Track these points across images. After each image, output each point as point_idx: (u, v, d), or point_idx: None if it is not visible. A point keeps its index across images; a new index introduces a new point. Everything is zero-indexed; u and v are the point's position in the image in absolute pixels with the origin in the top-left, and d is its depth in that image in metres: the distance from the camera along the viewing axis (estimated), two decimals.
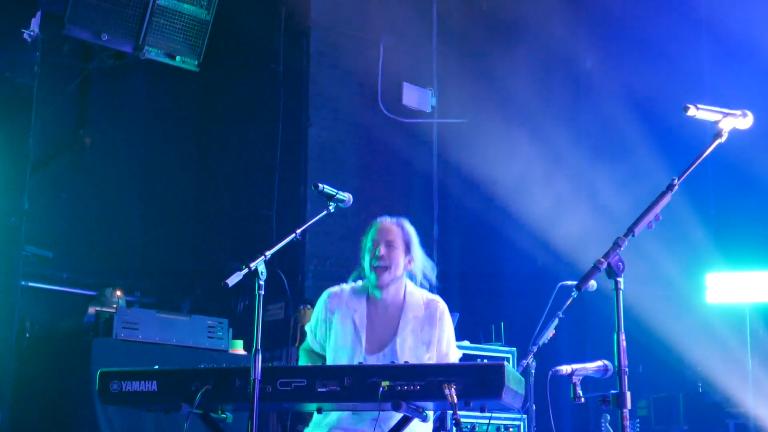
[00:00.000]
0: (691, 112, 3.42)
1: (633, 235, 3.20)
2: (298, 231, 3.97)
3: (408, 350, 4.14)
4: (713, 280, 7.46)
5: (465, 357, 6.04)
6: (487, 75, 8.69)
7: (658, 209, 3.25)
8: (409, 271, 4.28)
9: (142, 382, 3.76)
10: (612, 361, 4.14)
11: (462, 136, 8.97)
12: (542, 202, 8.13)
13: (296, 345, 7.42)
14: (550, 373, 4.32)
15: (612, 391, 3.18)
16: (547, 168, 8.19)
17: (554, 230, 8.08)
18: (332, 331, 4.22)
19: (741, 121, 3.47)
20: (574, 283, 3.26)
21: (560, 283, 5.47)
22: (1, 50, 6.46)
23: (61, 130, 8.14)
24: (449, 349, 4.24)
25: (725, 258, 7.55)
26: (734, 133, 3.47)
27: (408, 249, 4.22)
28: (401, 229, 4.25)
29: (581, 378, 4.27)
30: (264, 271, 3.63)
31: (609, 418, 5.81)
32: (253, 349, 3.52)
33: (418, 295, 4.27)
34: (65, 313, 7.04)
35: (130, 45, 7.21)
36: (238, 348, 6.57)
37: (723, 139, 3.44)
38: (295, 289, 7.99)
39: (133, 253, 8.36)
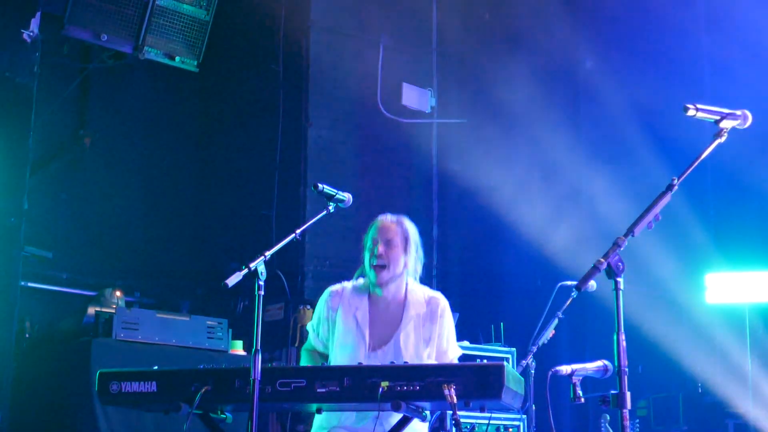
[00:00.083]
0: (691, 112, 3.42)
1: (633, 235, 3.20)
2: (298, 231, 3.97)
3: (410, 346, 4.14)
4: (712, 280, 7.46)
5: (464, 357, 6.04)
6: (487, 75, 8.69)
7: (657, 209, 3.25)
8: (410, 269, 4.28)
9: (142, 382, 3.76)
10: (612, 362, 4.14)
11: (461, 136, 8.97)
12: (542, 202, 8.13)
13: (296, 345, 7.42)
14: (550, 373, 4.32)
15: (612, 392, 3.18)
16: (547, 168, 8.19)
17: (554, 231, 8.08)
18: (335, 329, 4.22)
19: (740, 121, 3.47)
20: (574, 283, 3.26)
21: (560, 284, 5.48)
22: (1, 50, 6.46)
23: (60, 130, 8.14)
24: (449, 346, 4.25)
25: (725, 258, 7.55)
26: (733, 134, 3.48)
27: (407, 247, 4.22)
28: (401, 228, 4.26)
29: (581, 378, 4.28)
30: (264, 271, 3.63)
31: (609, 418, 5.81)
32: (253, 350, 3.52)
33: (419, 293, 4.27)
34: (65, 314, 7.04)
35: (130, 45, 7.21)
36: (238, 348, 6.56)
37: (722, 140, 3.44)
38: (294, 289, 7.99)
39: (132, 254, 8.36)
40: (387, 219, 4.29)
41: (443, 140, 9.10)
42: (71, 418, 5.90)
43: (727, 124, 3.45)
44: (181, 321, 6.35)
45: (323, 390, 3.54)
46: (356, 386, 3.52)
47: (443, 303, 4.27)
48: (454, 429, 3.45)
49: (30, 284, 7.15)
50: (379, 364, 4.10)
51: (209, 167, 9.06)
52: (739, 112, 3.47)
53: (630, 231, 3.21)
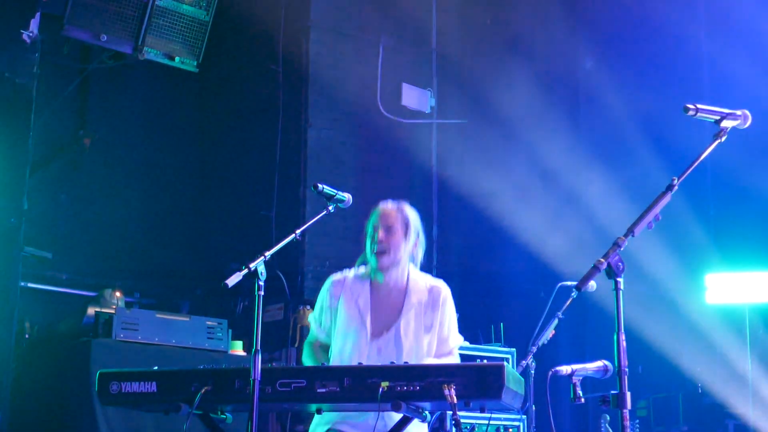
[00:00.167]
0: (691, 112, 3.42)
1: (633, 235, 3.20)
2: (298, 231, 3.97)
3: (411, 333, 4.14)
4: (712, 280, 7.46)
5: (464, 358, 6.05)
6: (487, 76, 8.70)
7: (657, 209, 3.25)
8: (412, 255, 4.28)
9: (142, 382, 3.76)
10: (612, 362, 4.14)
11: (461, 136, 8.98)
12: (542, 202, 8.14)
13: (296, 346, 7.42)
14: (550, 373, 4.32)
15: (612, 392, 3.18)
16: (547, 169, 8.19)
17: (554, 231, 8.08)
18: (337, 317, 4.22)
19: (740, 121, 3.47)
20: (574, 283, 3.26)
21: (560, 284, 5.48)
22: (1, 51, 6.46)
23: (60, 130, 8.14)
24: (450, 334, 4.24)
25: (724, 259, 7.55)
26: (733, 134, 3.48)
27: (408, 233, 4.22)
28: (401, 214, 4.27)
29: (581, 378, 4.27)
30: (264, 271, 3.63)
31: (609, 418, 5.81)
32: (253, 350, 3.52)
33: (421, 280, 4.28)
34: (64, 314, 7.04)
35: (130, 46, 7.20)
36: (238, 349, 6.56)
37: (722, 140, 3.44)
38: (294, 289, 7.99)
39: (132, 254, 8.36)
40: (388, 206, 4.30)
41: (443, 141, 9.10)
42: (71, 418, 5.90)
43: (727, 124, 3.45)
44: (180, 321, 6.36)
45: (323, 390, 3.54)
46: (356, 386, 3.51)
47: (445, 291, 4.27)
48: (454, 429, 3.44)
49: (30, 285, 7.15)
50: (381, 350, 4.13)
51: (209, 167, 9.06)
52: (739, 112, 3.47)
53: (630, 231, 3.20)
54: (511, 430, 6.55)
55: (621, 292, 3.18)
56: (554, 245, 7.92)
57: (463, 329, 4.43)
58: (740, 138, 3.63)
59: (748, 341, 7.21)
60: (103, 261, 8.10)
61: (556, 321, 5.04)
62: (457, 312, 4.31)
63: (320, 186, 4.13)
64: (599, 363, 4.37)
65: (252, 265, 3.60)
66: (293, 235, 3.96)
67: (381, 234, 4.18)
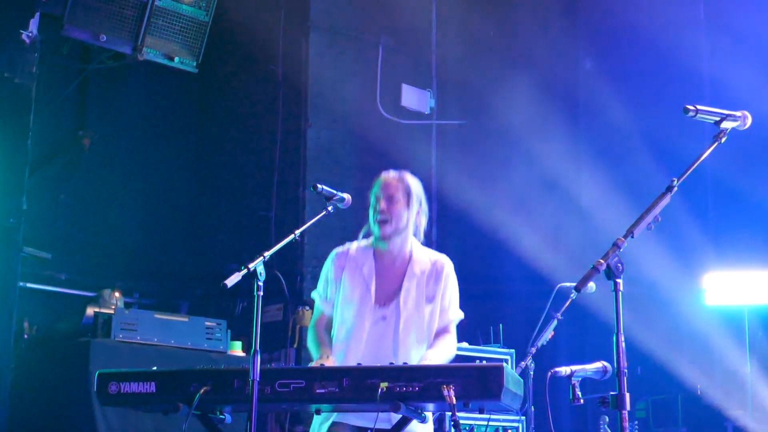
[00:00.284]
0: (691, 113, 3.42)
1: (632, 237, 3.20)
2: (297, 232, 3.97)
3: (411, 302, 4.14)
4: (711, 280, 7.45)
5: (464, 358, 6.04)
6: (486, 77, 8.70)
7: (657, 210, 3.25)
8: (415, 224, 4.28)
9: (141, 383, 3.76)
10: (611, 363, 4.14)
11: (461, 137, 8.97)
12: (541, 202, 8.13)
13: (295, 346, 7.42)
14: (549, 374, 4.32)
15: (611, 393, 3.18)
16: (546, 170, 8.19)
17: (553, 232, 8.08)
18: (342, 286, 4.21)
19: (740, 122, 3.47)
20: (573, 284, 3.26)
21: (559, 285, 5.47)
22: (0, 51, 6.46)
23: (59, 131, 8.13)
24: (450, 306, 4.23)
25: (723, 258, 7.55)
26: (732, 134, 3.48)
27: (410, 202, 4.23)
28: (402, 183, 4.27)
29: (580, 379, 4.27)
30: (263, 272, 3.63)
31: (608, 419, 5.81)
32: (252, 350, 3.52)
33: (425, 253, 4.29)
34: (63, 315, 7.04)
35: (129, 46, 7.20)
36: (237, 349, 6.56)
37: (722, 141, 3.44)
38: (293, 290, 7.98)
39: (131, 255, 8.36)
40: (389, 175, 4.31)
41: (442, 142, 9.10)
42: (70, 418, 5.90)
43: (726, 126, 3.45)
44: (179, 322, 6.36)
45: (322, 391, 3.54)
46: (355, 387, 3.51)
47: (449, 264, 4.28)
48: (453, 430, 3.44)
49: (29, 285, 7.15)
50: (385, 317, 4.12)
51: (208, 168, 9.05)
52: (738, 113, 3.47)
53: (629, 232, 3.20)
54: (510, 431, 6.54)
55: (620, 293, 3.18)
56: (554, 246, 7.92)
57: (462, 330, 4.42)
58: (739, 138, 3.63)
59: (747, 343, 7.21)
60: (102, 261, 8.10)
61: (555, 322, 5.04)
62: (457, 323, 4.30)
63: (320, 186, 4.13)
64: (598, 364, 4.37)
65: (251, 266, 3.60)
66: (292, 235, 3.96)
67: (383, 204, 4.19)
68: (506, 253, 8.27)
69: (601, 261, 3.14)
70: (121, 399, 3.81)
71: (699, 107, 3.43)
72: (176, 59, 7.44)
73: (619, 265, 3.17)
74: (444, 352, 4.11)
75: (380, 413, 3.55)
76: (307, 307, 7.40)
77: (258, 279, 3.60)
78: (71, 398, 5.89)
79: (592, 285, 3.21)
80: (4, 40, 6.48)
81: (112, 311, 6.20)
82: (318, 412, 3.82)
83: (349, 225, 8.04)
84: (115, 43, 7.16)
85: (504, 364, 3.50)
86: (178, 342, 6.24)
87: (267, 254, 3.70)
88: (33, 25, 6.58)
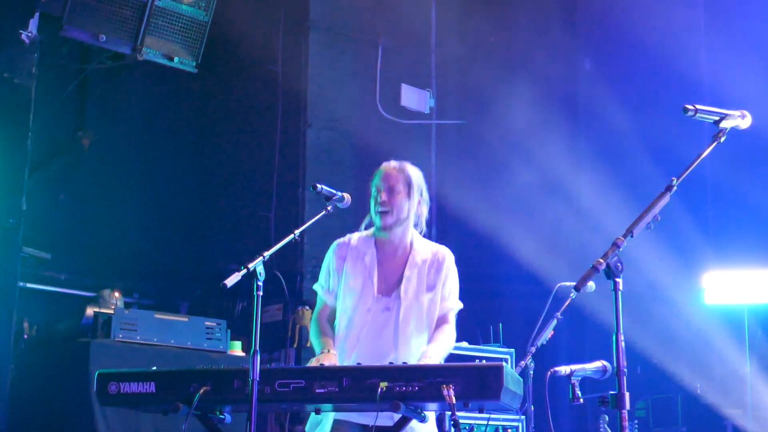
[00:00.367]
0: (691, 113, 3.42)
1: (632, 236, 3.20)
2: (297, 232, 3.97)
3: (411, 291, 4.15)
4: (711, 279, 7.45)
5: (463, 358, 6.05)
6: (486, 76, 8.70)
7: (656, 210, 3.25)
8: (416, 214, 4.28)
9: (140, 383, 3.76)
10: (610, 362, 4.14)
11: (460, 137, 8.97)
12: (541, 202, 8.13)
13: (294, 346, 7.42)
14: (549, 373, 4.32)
15: (611, 392, 3.18)
16: (546, 170, 8.19)
17: (553, 231, 8.08)
18: (344, 278, 4.22)
19: (740, 121, 3.48)
20: (573, 284, 3.26)
21: (558, 284, 5.47)
22: (0, 51, 6.46)
23: (59, 131, 8.14)
24: (450, 296, 4.24)
25: (723, 258, 7.54)
26: (732, 134, 3.48)
27: (410, 192, 4.23)
28: (403, 174, 4.28)
29: (580, 379, 4.27)
30: (262, 272, 3.63)
31: (607, 419, 5.81)
32: (252, 350, 3.52)
33: (426, 244, 4.30)
34: (63, 315, 7.04)
35: (129, 46, 7.20)
36: (237, 349, 6.56)
37: (721, 140, 3.44)
38: (293, 290, 7.98)
39: (131, 255, 8.36)
40: (390, 166, 4.32)
41: (442, 141, 9.10)
42: (70, 418, 5.90)
43: (726, 125, 3.45)
44: (179, 322, 6.36)
45: (322, 391, 3.54)
46: (355, 387, 3.51)
47: (450, 256, 4.29)
48: (452, 430, 3.44)
49: (28, 285, 7.15)
50: (387, 308, 4.12)
51: (208, 168, 9.05)
52: (738, 113, 3.48)
53: (629, 231, 3.20)
54: (510, 430, 6.55)
55: (620, 292, 3.18)
56: (553, 245, 7.92)
57: (461, 330, 4.42)
58: (738, 138, 3.63)
59: (746, 342, 7.21)
60: (102, 261, 8.10)
61: (554, 321, 5.04)
62: (456, 312, 4.30)
63: (319, 186, 4.14)
64: (598, 363, 4.37)
65: (250, 266, 3.60)
66: (292, 235, 3.96)
67: (384, 195, 4.20)
68: (506, 251, 8.27)
69: (601, 260, 3.14)
70: (121, 399, 3.80)
71: (698, 107, 3.43)
72: (176, 59, 7.44)
73: (618, 264, 3.17)
74: (444, 345, 4.11)
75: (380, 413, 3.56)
76: (307, 307, 7.40)
77: (257, 279, 3.60)
78: (71, 398, 5.89)
79: (591, 284, 3.21)
80: (3, 40, 6.48)
81: (111, 311, 6.20)
82: (318, 411, 3.82)
83: (349, 225, 8.02)
84: (115, 43, 7.16)
85: (504, 363, 3.50)
86: (177, 342, 6.24)
87: (266, 254, 3.69)
88: (32, 25, 6.58)
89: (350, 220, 7.61)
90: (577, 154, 8.30)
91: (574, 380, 4.22)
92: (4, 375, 6.12)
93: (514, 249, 8.11)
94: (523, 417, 6.41)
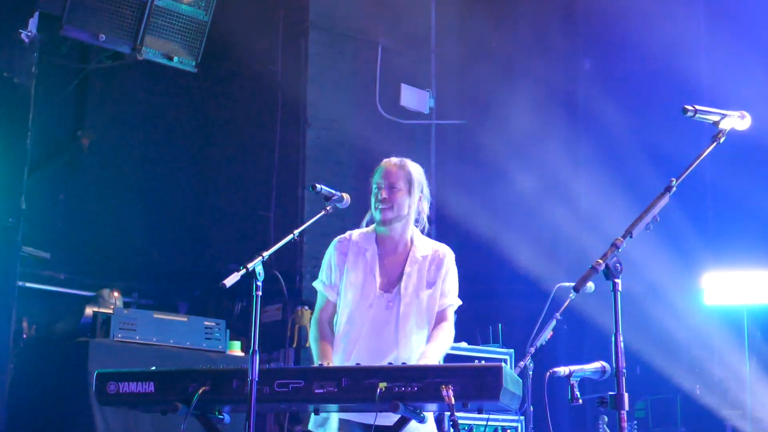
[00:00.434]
0: (690, 113, 3.42)
1: (631, 237, 3.20)
2: (296, 232, 3.97)
3: (411, 287, 4.15)
4: (710, 279, 7.45)
5: (462, 358, 6.05)
6: (485, 76, 8.70)
7: (656, 211, 3.25)
8: (417, 210, 4.29)
9: (139, 383, 3.75)
10: (609, 363, 4.14)
11: (460, 137, 8.98)
12: (540, 203, 8.13)
13: (294, 346, 7.42)
14: (548, 374, 4.32)
15: (610, 393, 3.18)
16: (545, 169, 8.19)
17: (552, 231, 8.08)
18: (346, 273, 4.22)
19: (739, 122, 3.47)
20: (572, 284, 3.26)
21: (558, 285, 5.47)
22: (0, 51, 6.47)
23: (58, 130, 8.14)
24: (450, 293, 4.24)
25: (723, 259, 7.54)
26: (730, 135, 3.48)
27: (411, 189, 4.24)
28: (403, 171, 4.28)
29: (579, 379, 4.27)
30: (261, 272, 3.62)
31: (607, 419, 5.81)
32: (251, 350, 3.51)
33: (427, 241, 4.31)
34: (62, 314, 7.03)
35: (128, 46, 7.19)
36: (236, 349, 6.56)
37: (721, 141, 3.44)
38: (292, 290, 7.98)
39: (130, 254, 8.36)
40: (390, 162, 4.32)
41: (441, 141, 9.10)
42: (69, 418, 5.89)
43: (725, 126, 3.45)
44: (178, 322, 6.35)
45: (321, 391, 3.53)
46: (354, 387, 3.51)
47: (450, 254, 4.29)
48: (452, 430, 3.44)
49: (28, 284, 7.15)
50: (389, 305, 4.12)
51: (207, 168, 9.05)
52: (737, 113, 3.47)
53: (628, 232, 3.20)
54: (509, 430, 6.55)
55: (619, 293, 3.17)
56: (553, 246, 7.92)
57: (460, 330, 4.42)
58: (737, 139, 3.63)
59: (746, 343, 7.20)
60: (101, 261, 8.10)
61: (554, 322, 5.03)
62: (455, 313, 4.31)
63: (318, 186, 4.13)
64: (597, 364, 4.37)
65: (250, 266, 3.59)
66: (291, 235, 3.95)
67: (384, 192, 4.20)
68: (505, 252, 8.27)
69: (600, 261, 3.14)
70: (120, 399, 3.80)
71: (697, 107, 3.43)
72: (175, 59, 7.44)
73: (617, 265, 3.17)
74: (442, 344, 4.11)
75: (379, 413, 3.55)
76: (306, 307, 7.40)
77: (257, 279, 3.60)
78: (70, 398, 5.89)
79: (591, 285, 3.21)
80: (3, 40, 6.48)
81: (111, 311, 6.19)
82: (317, 411, 3.82)
83: (348, 225, 8.01)
84: (115, 42, 7.16)
85: (503, 364, 3.50)
86: (177, 342, 6.24)
87: (266, 254, 3.69)
88: (32, 24, 6.58)
89: (350, 220, 7.61)
90: (577, 154, 8.31)
91: (573, 381, 4.21)
92: (3, 374, 6.11)
93: (514, 249, 8.12)
94: (522, 417, 6.41)
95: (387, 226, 4.22)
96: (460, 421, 3.45)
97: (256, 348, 3.52)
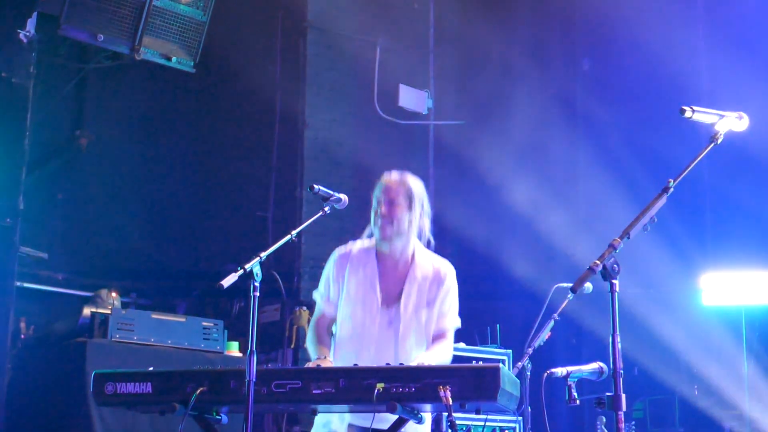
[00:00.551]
0: (688, 114, 3.42)
1: (628, 238, 3.20)
2: (294, 232, 3.96)
3: (411, 306, 4.15)
4: (709, 280, 7.46)
5: (460, 359, 6.04)
6: (484, 76, 8.70)
7: (653, 211, 3.25)
8: (419, 226, 4.27)
9: (137, 383, 3.75)
10: (607, 363, 4.14)
11: (458, 137, 8.98)
12: (539, 203, 8.14)
13: (292, 347, 7.42)
14: (546, 375, 4.32)
15: (607, 394, 3.18)
16: (544, 169, 8.19)
17: (551, 232, 8.08)
18: (345, 287, 4.21)
19: (737, 123, 3.48)
20: (570, 285, 3.26)
21: (556, 285, 5.47)
22: None
23: (57, 130, 8.13)
24: (449, 312, 4.22)
25: (721, 259, 7.55)
26: (729, 135, 3.48)
27: (412, 204, 4.22)
28: (404, 186, 4.26)
29: (576, 380, 4.27)
30: (259, 272, 3.62)
31: (605, 420, 5.81)
32: (249, 351, 3.51)
33: (428, 258, 4.28)
34: (60, 314, 7.03)
35: (127, 46, 7.19)
36: (234, 350, 6.55)
37: (718, 142, 3.44)
38: (290, 290, 7.98)
39: (128, 255, 8.35)
40: (391, 177, 4.29)
41: (440, 142, 9.10)
42: (67, 419, 5.88)
43: (723, 127, 3.45)
44: (176, 322, 6.35)
45: (319, 391, 3.53)
46: (351, 388, 3.51)
47: (451, 272, 4.28)
48: (449, 431, 3.44)
49: (26, 285, 7.14)
50: (391, 322, 4.12)
51: (206, 168, 9.05)
52: (735, 114, 3.48)
53: (626, 233, 3.20)
54: (507, 431, 6.54)
55: (616, 294, 3.18)
56: (551, 246, 7.92)
57: (459, 331, 4.42)
58: (736, 140, 3.63)
59: (744, 343, 7.21)
60: (99, 261, 8.09)
61: (552, 322, 5.03)
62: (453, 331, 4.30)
63: (316, 187, 4.13)
64: (594, 365, 4.37)
65: (247, 266, 3.59)
66: (289, 236, 3.95)
67: (384, 208, 4.18)
68: (504, 252, 8.28)
69: (597, 262, 3.14)
70: (118, 399, 3.80)
71: (695, 108, 3.43)
72: (174, 59, 7.43)
73: (615, 266, 3.17)
74: (438, 357, 4.10)
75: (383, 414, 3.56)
76: (304, 308, 7.40)
77: (254, 279, 3.60)
78: (68, 398, 5.88)
79: (588, 285, 3.21)
80: (1, 40, 6.48)
81: (109, 311, 6.18)
82: (314, 412, 3.82)
83: (347, 225, 8.05)
84: (113, 42, 7.15)
85: (500, 364, 3.50)
86: (175, 342, 6.23)
87: (263, 255, 3.69)
88: (30, 24, 6.58)
89: (348, 220, 7.63)
90: (575, 154, 8.31)
91: (571, 381, 4.21)
92: (1, 375, 6.11)
93: (512, 249, 8.12)
94: (520, 418, 6.40)
95: (387, 243, 4.21)
96: (457, 422, 3.45)
97: (254, 348, 3.52)
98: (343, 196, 4.19)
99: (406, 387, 3.45)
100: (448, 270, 4.27)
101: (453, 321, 4.25)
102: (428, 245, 4.33)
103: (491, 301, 8.24)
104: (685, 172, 3.32)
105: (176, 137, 9.00)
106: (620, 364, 3.14)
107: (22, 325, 6.92)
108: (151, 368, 3.84)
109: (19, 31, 6.48)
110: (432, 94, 9.11)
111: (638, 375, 7.38)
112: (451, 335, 4.26)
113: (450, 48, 9.23)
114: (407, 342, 4.10)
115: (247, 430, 3.45)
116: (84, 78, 8.24)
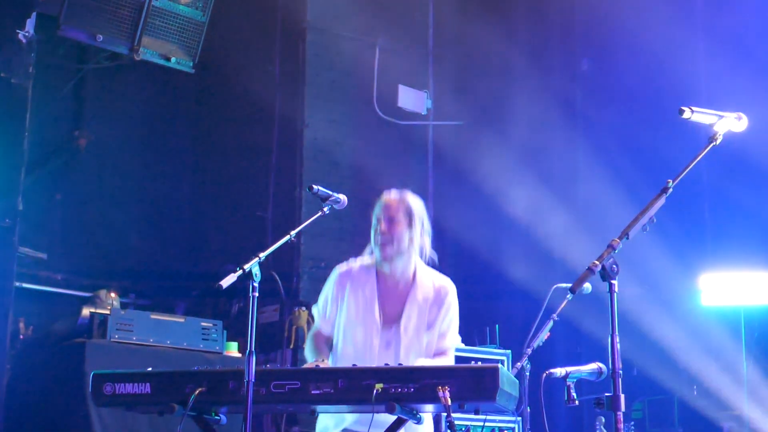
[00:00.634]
0: (687, 114, 3.43)
1: (627, 238, 3.20)
2: (293, 233, 3.96)
3: (411, 329, 4.14)
4: (708, 280, 7.46)
5: (459, 359, 6.04)
6: (483, 77, 8.70)
7: (652, 212, 3.25)
8: (420, 245, 4.26)
9: (136, 384, 3.75)
10: (606, 364, 4.14)
11: (457, 138, 8.98)
12: (538, 204, 8.14)
13: (291, 347, 7.42)
14: (544, 375, 4.32)
15: (606, 394, 3.18)
16: (543, 170, 8.19)
17: (550, 232, 8.08)
18: (344, 307, 4.20)
19: (736, 123, 3.48)
20: (569, 285, 3.26)
21: (555, 286, 5.47)
22: None
23: (56, 131, 8.13)
24: (449, 332, 4.22)
25: (720, 260, 7.55)
26: (728, 135, 3.48)
27: (412, 222, 4.21)
28: (404, 204, 4.24)
29: (575, 380, 4.27)
30: (258, 272, 3.62)
31: (604, 420, 5.81)
32: (248, 351, 3.51)
33: (429, 277, 4.27)
34: (59, 315, 7.03)
35: (126, 46, 7.19)
36: (233, 350, 6.55)
37: (718, 142, 3.44)
38: (289, 291, 7.98)
39: (127, 255, 8.35)
40: (390, 196, 4.27)
41: (439, 142, 9.10)
42: (65, 419, 5.88)
43: (722, 127, 3.45)
44: (175, 322, 6.34)
45: (317, 392, 3.53)
46: (350, 388, 3.51)
47: (452, 291, 4.27)
48: (448, 431, 3.44)
49: (24, 285, 7.14)
50: (390, 343, 4.12)
51: (205, 168, 9.05)
52: (734, 115, 3.48)
53: (624, 233, 3.20)
54: (505, 431, 6.54)
55: (615, 294, 3.18)
56: (550, 246, 7.91)
57: (458, 330, 4.42)
58: (735, 140, 3.63)
59: (743, 344, 7.21)
60: (98, 262, 8.09)
61: (551, 323, 5.03)
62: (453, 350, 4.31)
63: (315, 187, 4.12)
64: (593, 365, 4.36)
65: (246, 267, 3.59)
66: (288, 236, 3.95)
67: (384, 226, 4.17)
68: (503, 253, 8.28)
69: (596, 262, 3.14)
70: (117, 400, 3.80)
71: (694, 108, 3.43)
72: (173, 59, 7.43)
73: (614, 266, 3.17)
74: (438, 363, 4.10)
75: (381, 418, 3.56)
76: (303, 308, 7.40)
77: (253, 280, 3.60)
78: (67, 399, 5.88)
79: (587, 286, 3.20)
80: (0, 40, 6.47)
81: (108, 312, 6.18)
82: (313, 413, 3.82)
83: (346, 225, 8.06)
84: (112, 43, 7.15)
85: (499, 365, 3.50)
86: (173, 343, 6.23)
87: (262, 255, 3.69)
88: (30, 25, 6.57)
89: (347, 220, 7.65)
90: (575, 154, 8.30)
91: (570, 382, 4.21)
92: (0, 375, 6.11)
93: (511, 249, 8.12)
94: (518, 418, 6.40)
95: (388, 263, 4.20)
96: (456, 422, 3.45)
97: (253, 349, 3.52)
98: (342, 197, 4.19)
99: (404, 387, 3.45)
100: (449, 289, 4.26)
101: (453, 340, 4.26)
102: (431, 264, 4.31)
103: (490, 302, 8.24)
104: (684, 173, 3.32)
105: (175, 137, 9.00)
106: (619, 364, 3.14)
107: (21, 325, 6.92)
108: (149, 369, 3.84)
109: (18, 31, 6.48)
110: (431, 95, 9.11)
111: (637, 375, 7.38)
112: (451, 353, 4.26)
113: (449, 49, 9.23)
114: (407, 362, 4.10)
115: (246, 431, 3.45)
116: (83, 78, 8.24)
